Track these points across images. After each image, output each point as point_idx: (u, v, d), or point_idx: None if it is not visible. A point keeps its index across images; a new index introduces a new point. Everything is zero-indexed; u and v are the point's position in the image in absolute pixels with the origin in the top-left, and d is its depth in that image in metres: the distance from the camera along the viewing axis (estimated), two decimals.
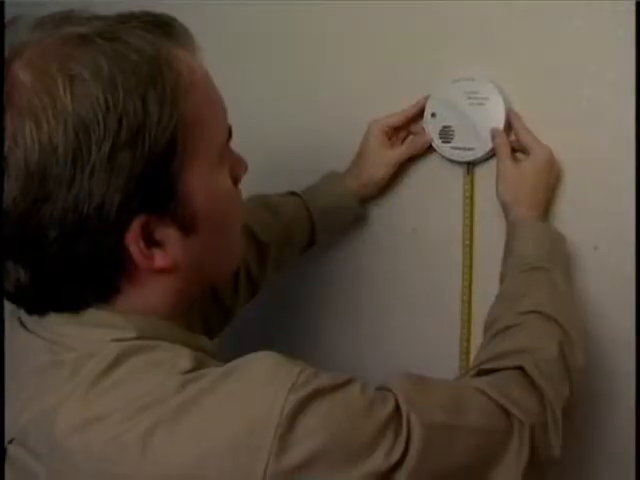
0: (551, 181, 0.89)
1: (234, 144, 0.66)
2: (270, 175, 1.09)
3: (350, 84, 1.04)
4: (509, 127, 0.92)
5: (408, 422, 0.56)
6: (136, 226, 0.54)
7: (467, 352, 0.98)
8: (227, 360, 0.58)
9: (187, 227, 0.58)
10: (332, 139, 1.06)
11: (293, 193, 0.99)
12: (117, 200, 0.52)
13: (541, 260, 0.81)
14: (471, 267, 0.97)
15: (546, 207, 0.89)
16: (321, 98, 1.07)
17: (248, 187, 1.04)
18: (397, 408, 0.56)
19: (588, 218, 0.89)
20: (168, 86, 0.54)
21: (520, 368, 0.67)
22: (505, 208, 0.89)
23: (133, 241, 0.55)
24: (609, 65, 0.85)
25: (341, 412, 0.54)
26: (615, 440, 0.89)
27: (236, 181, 0.66)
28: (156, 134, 0.53)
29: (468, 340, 0.98)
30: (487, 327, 0.78)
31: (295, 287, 1.13)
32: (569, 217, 0.90)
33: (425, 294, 1.03)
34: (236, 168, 0.66)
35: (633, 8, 0.67)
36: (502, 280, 0.84)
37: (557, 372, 0.69)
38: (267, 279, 0.98)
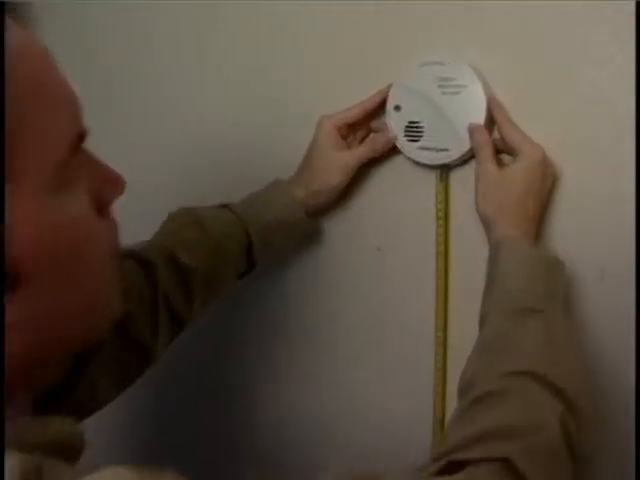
0: (544, 189, 0.70)
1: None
2: (210, 182, 0.92)
3: (295, 73, 0.85)
4: (491, 122, 0.74)
5: None
6: None
7: (442, 413, 0.79)
8: None
9: (9, 277, 0.40)
10: (275, 139, 0.87)
11: (225, 206, 0.80)
12: None
13: (533, 297, 0.62)
14: (446, 298, 0.79)
15: (538, 223, 0.70)
16: (260, 90, 0.88)
17: (182, 198, 0.89)
18: None
19: (591, 235, 0.70)
20: None
21: (505, 460, 0.48)
22: (487, 224, 0.70)
23: None
24: (610, 54, 0.70)
25: None
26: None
27: (104, 206, 0.48)
28: None
29: (443, 396, 0.79)
30: (462, 390, 0.60)
31: (233, 319, 0.94)
32: (568, 235, 0.72)
33: (391, 332, 0.84)
34: (103, 188, 0.48)
35: (633, 8, 0.59)
36: (482, 323, 0.65)
37: (558, 464, 0.50)
38: (196, 311, 0.79)
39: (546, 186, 0.70)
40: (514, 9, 0.73)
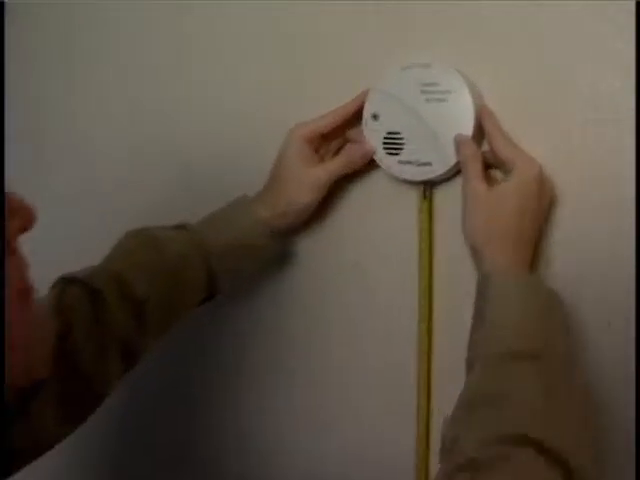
0: (540, 210, 0.62)
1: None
2: (170, 198, 0.83)
3: (260, 76, 0.77)
4: (481, 133, 0.65)
5: None
6: None
7: (426, 429, 0.70)
8: None
9: None
10: (242, 150, 0.78)
11: (183, 226, 0.71)
12: None
13: (528, 341, 0.53)
14: (430, 331, 0.70)
15: (534, 248, 0.61)
16: (227, 97, 0.79)
17: (145, 214, 0.80)
18: None
19: (595, 267, 0.62)
20: None
21: None
22: (474, 250, 0.62)
23: None
24: (611, 54, 0.62)
25: None
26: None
27: (9, 241, 0.40)
28: None
29: (427, 413, 0.70)
30: (445, 451, 0.51)
31: (196, 349, 0.85)
32: (567, 265, 0.63)
33: (372, 353, 0.75)
34: (8, 221, 0.39)
35: (633, 8, 0.54)
36: (469, 369, 0.56)
37: None
38: (151, 343, 0.70)
39: (542, 206, 0.62)
40: (508, 8, 0.64)
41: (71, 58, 0.89)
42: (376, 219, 0.74)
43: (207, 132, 0.82)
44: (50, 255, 0.72)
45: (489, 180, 0.64)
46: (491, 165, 0.66)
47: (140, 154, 0.85)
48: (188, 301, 0.72)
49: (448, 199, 0.69)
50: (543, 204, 0.61)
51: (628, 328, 0.59)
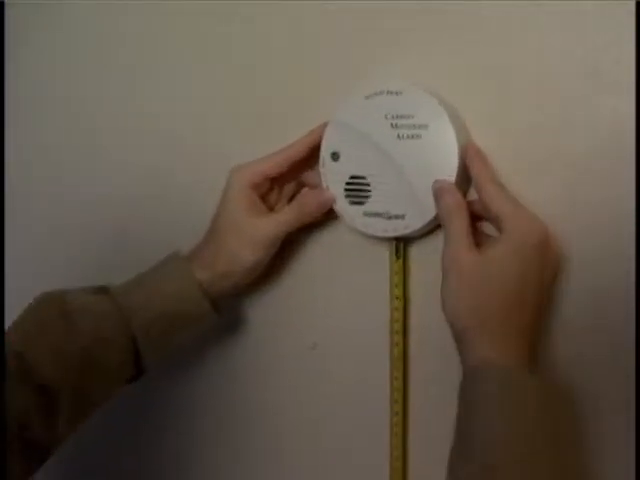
0: (543, 283, 0.47)
1: None
2: (99, 247, 0.70)
3: (200, 106, 0.62)
4: (466, 178, 0.51)
5: None
6: None
7: None
8: None
9: None
10: (172, 195, 0.64)
11: (105, 290, 0.58)
12: None
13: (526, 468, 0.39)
14: (405, 428, 0.55)
15: (534, 334, 0.47)
16: (165, 132, 0.65)
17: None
18: None
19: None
20: None
21: None
22: (458, 338, 0.47)
23: None
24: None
25: None
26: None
27: None
28: None
29: None
30: None
31: (118, 438, 0.70)
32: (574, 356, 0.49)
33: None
34: None
35: (633, 8, 0.47)
36: None
37: None
38: (63, 435, 0.56)
39: (546, 279, 0.47)
40: (502, 14, 0.50)
41: None
42: (339, 281, 0.60)
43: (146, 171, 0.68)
44: None
45: (477, 237, 0.50)
46: (479, 216, 0.52)
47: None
48: (107, 386, 0.59)
49: (426, 257, 0.55)
50: (547, 276, 0.47)
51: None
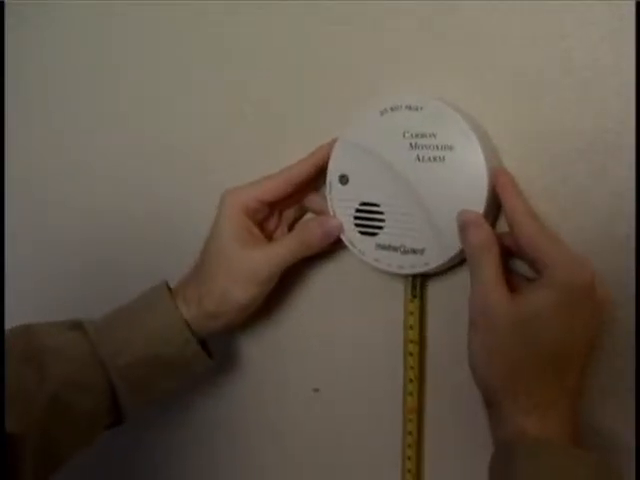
0: (589, 335, 0.39)
1: None
2: (84, 263, 0.65)
3: (197, 122, 0.55)
4: (496, 207, 0.44)
5: None
6: None
7: None
8: None
9: None
10: (178, 214, 0.58)
11: (80, 326, 0.51)
12: None
13: None
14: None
15: (579, 396, 0.40)
16: (162, 154, 0.58)
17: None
18: None
19: None
20: None
21: None
22: (489, 401, 0.40)
23: None
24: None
25: None
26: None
27: None
28: None
29: None
30: None
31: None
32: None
33: None
34: None
35: (633, 8, 0.41)
36: None
37: None
38: None
39: (594, 330, 0.40)
40: (533, 25, 0.43)
41: None
42: (345, 320, 0.53)
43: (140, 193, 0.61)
44: None
45: (508, 278, 0.42)
46: (511, 252, 0.45)
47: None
48: (81, 434, 0.53)
49: (447, 296, 0.48)
50: (595, 331, 0.40)
51: None
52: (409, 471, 0.51)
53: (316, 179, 0.50)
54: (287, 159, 0.50)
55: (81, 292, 0.65)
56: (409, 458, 0.50)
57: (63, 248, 0.66)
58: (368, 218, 0.47)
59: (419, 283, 0.48)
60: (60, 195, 0.66)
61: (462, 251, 0.44)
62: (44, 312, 0.53)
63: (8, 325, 0.51)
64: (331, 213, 0.49)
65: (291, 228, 0.53)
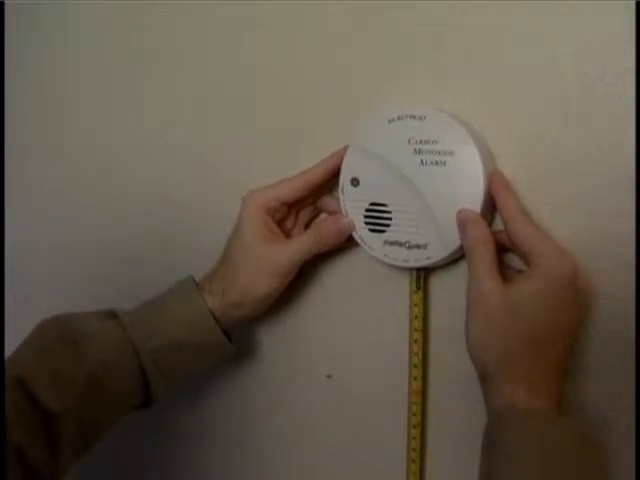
0: (574, 320, 0.44)
1: None
2: (101, 265, 0.69)
3: (216, 130, 0.60)
4: (492, 207, 0.49)
5: None
6: None
7: None
8: None
9: None
10: (195, 217, 0.62)
11: (114, 315, 0.55)
12: None
13: None
14: (422, 465, 0.53)
15: (563, 376, 0.44)
16: (180, 159, 0.63)
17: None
18: None
19: None
20: None
21: None
22: (484, 379, 0.45)
23: None
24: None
25: None
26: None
27: None
28: None
29: None
30: None
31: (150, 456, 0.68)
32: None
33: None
34: None
35: (633, 8, 0.45)
36: None
37: None
38: (67, 464, 0.54)
39: (576, 317, 0.44)
40: (532, 36, 0.48)
41: None
42: (356, 311, 0.58)
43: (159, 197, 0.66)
44: None
45: (502, 270, 0.47)
46: (506, 248, 0.49)
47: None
48: (114, 412, 0.57)
49: (448, 288, 0.53)
50: (577, 315, 0.45)
51: None
52: (414, 449, 0.55)
53: (330, 182, 0.55)
54: (301, 164, 0.55)
55: (106, 289, 0.70)
56: (414, 438, 0.55)
57: (82, 247, 0.70)
58: (377, 217, 0.52)
59: (422, 276, 0.53)
60: (87, 197, 0.70)
61: (462, 247, 0.49)
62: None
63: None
64: (343, 213, 0.54)
65: (307, 227, 0.58)
